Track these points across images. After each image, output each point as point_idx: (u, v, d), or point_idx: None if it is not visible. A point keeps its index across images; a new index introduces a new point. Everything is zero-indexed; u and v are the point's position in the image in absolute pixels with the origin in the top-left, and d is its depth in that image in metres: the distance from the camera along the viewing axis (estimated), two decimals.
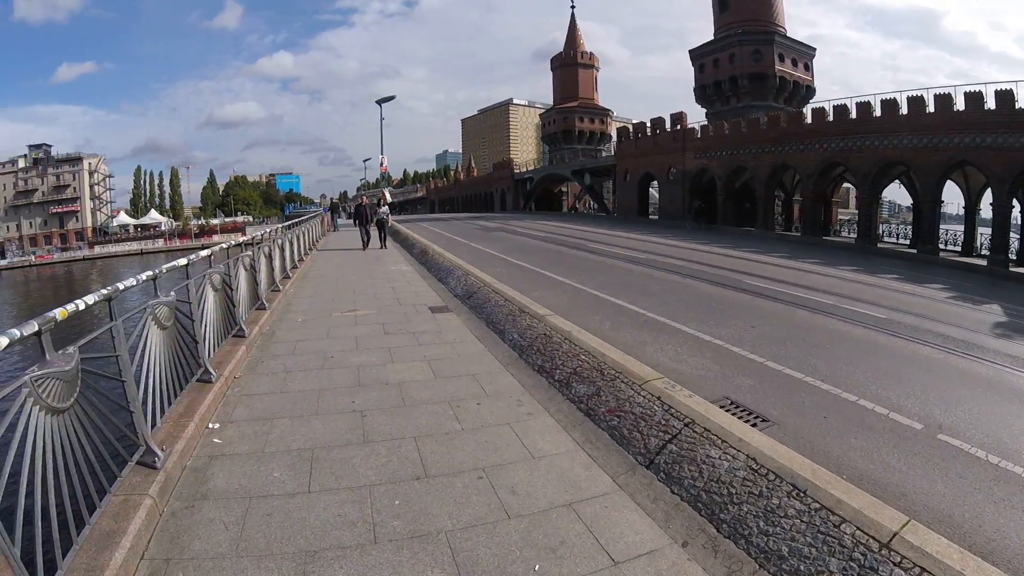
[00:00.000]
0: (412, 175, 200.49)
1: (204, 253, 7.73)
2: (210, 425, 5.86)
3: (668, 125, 46.01)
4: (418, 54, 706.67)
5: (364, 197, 33.55)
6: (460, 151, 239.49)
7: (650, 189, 53.77)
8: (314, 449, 5.24)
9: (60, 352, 3.66)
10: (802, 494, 3.94)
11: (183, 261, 6.62)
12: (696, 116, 55.13)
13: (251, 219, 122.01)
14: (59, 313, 3.66)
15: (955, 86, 26.50)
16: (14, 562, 2.83)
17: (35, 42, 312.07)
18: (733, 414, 5.91)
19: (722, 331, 9.61)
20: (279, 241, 14.87)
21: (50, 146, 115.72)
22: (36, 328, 3.38)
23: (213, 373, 6.70)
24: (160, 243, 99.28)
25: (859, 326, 10.36)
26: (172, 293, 5.96)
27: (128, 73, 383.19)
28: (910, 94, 28.19)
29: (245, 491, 4.53)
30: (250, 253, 10.47)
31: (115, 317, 4.45)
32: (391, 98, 39.59)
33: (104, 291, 4.40)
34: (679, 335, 9.39)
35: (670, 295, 13.01)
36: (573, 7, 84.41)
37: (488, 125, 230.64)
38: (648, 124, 48.89)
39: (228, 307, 8.59)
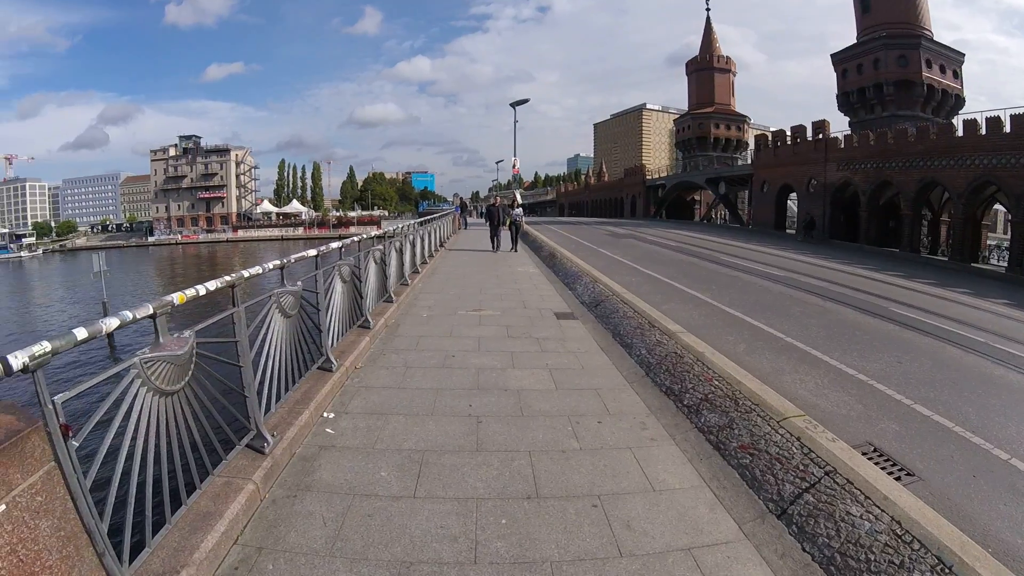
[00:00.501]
0: (543, 178, 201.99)
1: (335, 245, 7.88)
2: (325, 414, 5.87)
3: (809, 133, 43.22)
4: (550, 58, 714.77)
5: (497, 197, 33.09)
6: (591, 155, 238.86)
7: (788, 202, 50.99)
8: (425, 452, 5.08)
9: (176, 335, 3.69)
10: (948, 570, 3.38)
11: (312, 252, 6.72)
12: (838, 125, 51.82)
13: (386, 213, 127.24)
14: (177, 297, 3.65)
15: None
16: (101, 537, 2.85)
17: (185, 44, 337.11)
18: (876, 464, 5.15)
19: (867, 364, 8.67)
20: (411, 237, 15.23)
21: (199, 137, 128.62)
22: (151, 311, 3.39)
23: (334, 362, 6.82)
24: (300, 231, 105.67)
25: (1014, 371, 9.01)
26: (299, 283, 6.02)
27: (273, 74, 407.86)
28: None
29: (349, 487, 4.46)
30: (381, 247, 10.72)
31: (237, 304, 4.47)
32: (525, 101, 39.70)
33: (228, 278, 4.41)
34: (820, 366, 8.55)
35: (811, 319, 12.00)
36: (708, 9, 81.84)
37: (620, 130, 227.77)
38: (788, 132, 46.17)
39: (355, 298, 8.75)
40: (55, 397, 2.64)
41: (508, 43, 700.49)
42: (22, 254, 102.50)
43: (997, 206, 34.60)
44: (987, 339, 11.01)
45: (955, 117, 41.44)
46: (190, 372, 3.80)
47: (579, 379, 7.29)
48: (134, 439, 3.16)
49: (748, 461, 5.01)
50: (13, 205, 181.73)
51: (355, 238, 9.32)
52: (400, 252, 13.26)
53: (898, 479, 5.01)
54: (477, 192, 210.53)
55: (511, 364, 7.81)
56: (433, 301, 12.22)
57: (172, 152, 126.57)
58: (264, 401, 5.00)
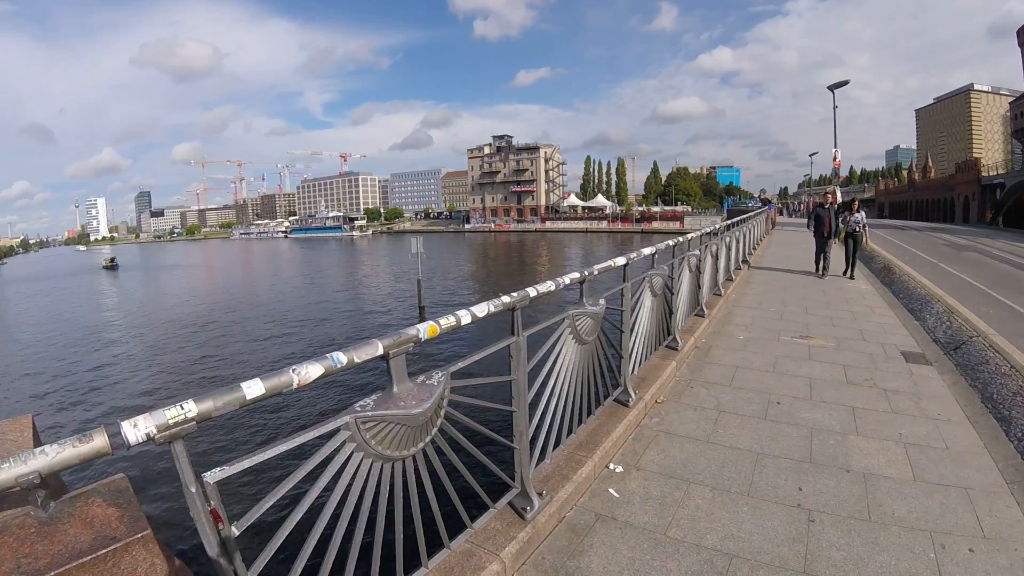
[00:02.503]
0: (858, 173, 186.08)
1: (647, 251, 6.66)
2: (611, 466, 4.86)
3: None
4: (859, 38, 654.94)
5: (829, 193, 20.22)
6: (913, 147, 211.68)
7: None
8: (732, 558, 3.71)
9: (420, 380, 2.97)
10: None
11: (621, 260, 5.62)
12: None
13: (689, 209, 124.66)
14: (426, 330, 2.90)
15: None
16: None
17: (494, 54, 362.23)
18: None
19: None
20: (726, 239, 13.50)
21: (511, 137, 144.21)
22: (380, 351, 2.63)
23: (632, 395, 5.81)
24: (604, 224, 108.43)
25: None
26: (602, 301, 5.02)
27: (578, 76, 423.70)
28: None
29: None
30: (696, 252, 9.28)
31: (517, 331, 3.71)
32: (845, 83, 35.07)
33: (507, 299, 3.57)
34: None
35: None
36: None
37: (945, 116, 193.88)
38: None
39: (664, 314, 7.47)
40: (206, 476, 1.95)
41: (811, 25, 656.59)
42: (353, 233, 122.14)
43: None
44: None
45: None
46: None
47: (943, 467, 5.18)
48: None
49: None
50: (348, 194, 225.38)
51: (669, 242, 7.94)
52: (716, 257, 11.62)
53: None
54: (785, 188, 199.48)
55: (853, 427, 5.86)
56: (750, 319, 10.48)
57: (487, 150, 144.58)
58: (538, 452, 4.11)
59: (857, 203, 16.23)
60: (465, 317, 3.15)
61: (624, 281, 5.67)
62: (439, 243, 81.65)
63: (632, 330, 5.91)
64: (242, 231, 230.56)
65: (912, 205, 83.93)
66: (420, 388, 2.87)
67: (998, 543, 4.12)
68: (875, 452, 5.28)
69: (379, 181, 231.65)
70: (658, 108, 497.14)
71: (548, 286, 4.07)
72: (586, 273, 4.63)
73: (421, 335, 2.81)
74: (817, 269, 16.63)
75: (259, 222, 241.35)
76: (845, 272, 16.21)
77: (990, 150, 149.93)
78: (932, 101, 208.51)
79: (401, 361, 2.77)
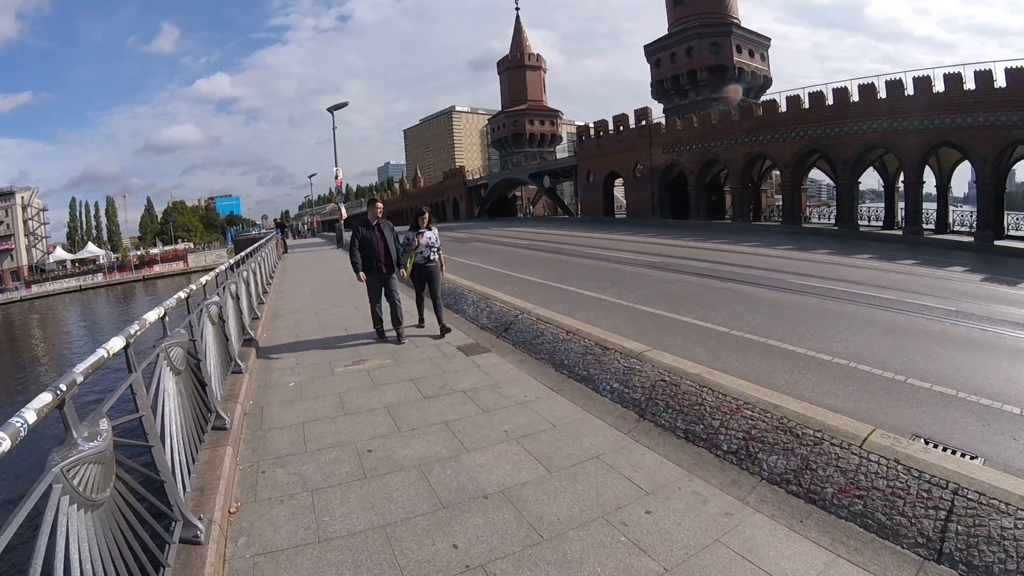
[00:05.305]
0: (355, 189, 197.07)
1: (152, 316, 4.28)
2: None
3: (632, 122, 44.75)
4: (355, 68, 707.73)
5: (423, 217, 10.56)
6: (403, 163, 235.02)
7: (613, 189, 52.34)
8: None
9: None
10: None
11: (117, 343, 3.30)
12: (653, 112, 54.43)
13: (191, 245, 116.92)
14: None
15: (934, 68, 28.06)
16: None
17: None
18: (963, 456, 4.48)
19: (832, 346, 7.97)
20: (243, 274, 11.03)
21: None
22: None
23: (197, 524, 3.56)
24: (99, 277, 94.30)
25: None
26: (103, 423, 2.79)
27: (64, 101, 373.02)
28: (888, 78, 28.15)
29: None
30: (216, 298, 7.18)
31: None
32: (344, 104, 36.03)
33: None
34: (794, 359, 7.42)
35: (733, 305, 10.91)
36: (518, 8, 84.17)
37: (431, 134, 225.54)
38: (611, 121, 47.14)
39: (195, 391, 5.11)
40: None
41: (310, 54, 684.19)
42: None
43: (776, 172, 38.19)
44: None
45: (762, 97, 44.47)
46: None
47: (564, 446, 5.06)
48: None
49: (861, 507, 3.87)
50: None
51: (180, 294, 5.50)
52: (237, 297, 9.36)
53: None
54: (287, 211, 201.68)
55: (460, 445, 5.19)
56: (293, 359, 8.75)
57: None
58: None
59: (427, 215, 10.09)
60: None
61: (131, 372, 3.47)
62: None
63: (163, 435, 3.73)
64: None
65: (407, 211, 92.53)
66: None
67: (664, 494, 4.19)
68: (496, 462, 4.81)
69: None
70: (151, 137, 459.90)
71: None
72: (62, 389, 2.46)
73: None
74: (376, 323, 9.73)
75: None
76: (421, 322, 10.35)
77: (471, 159, 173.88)
78: (419, 121, 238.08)
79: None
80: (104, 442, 2.60)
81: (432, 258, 9.64)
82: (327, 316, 12.16)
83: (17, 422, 2.08)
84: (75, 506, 2.25)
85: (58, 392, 2.39)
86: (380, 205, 9.82)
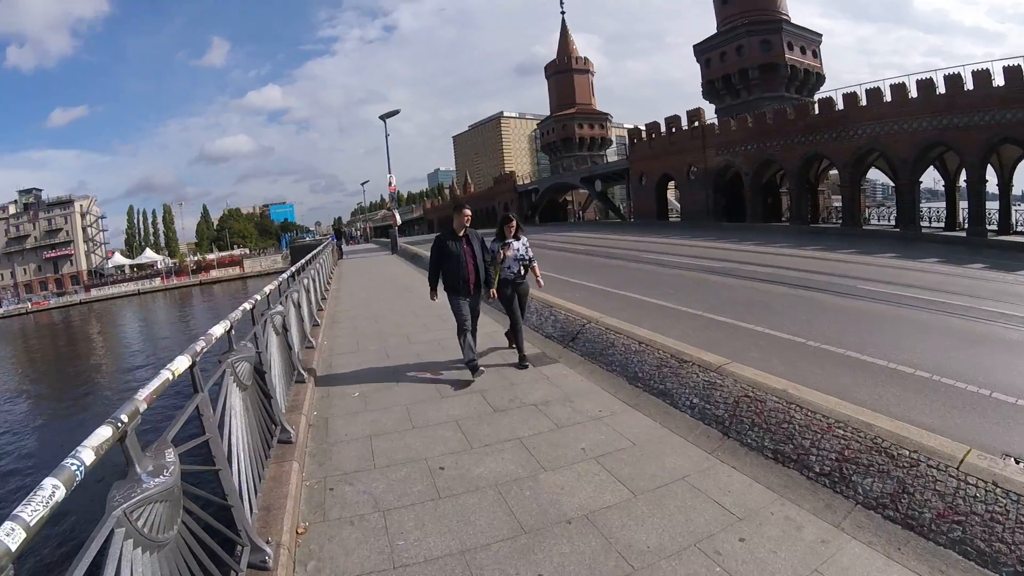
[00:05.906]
0: (405, 196, 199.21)
1: (218, 330, 4.16)
2: None
3: (684, 123, 43.90)
4: (400, 76, 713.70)
5: (509, 226, 8.63)
6: (452, 168, 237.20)
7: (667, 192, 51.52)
8: None
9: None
10: None
11: (182, 363, 3.13)
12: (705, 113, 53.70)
13: (248, 251, 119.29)
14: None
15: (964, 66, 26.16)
16: None
17: (28, 89, 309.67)
18: None
19: (914, 357, 7.56)
20: (304, 281, 11.06)
21: (40, 190, 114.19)
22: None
23: (268, 550, 3.44)
24: (157, 282, 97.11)
25: None
26: (169, 452, 2.65)
27: (118, 114, 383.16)
28: (946, 72, 27.06)
29: None
30: (280, 308, 7.01)
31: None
32: (396, 112, 36.57)
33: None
34: (872, 370, 7.15)
35: (801, 312, 10.57)
36: (563, 12, 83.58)
37: (480, 140, 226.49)
38: (663, 123, 46.42)
39: (261, 405, 4.98)
40: None
41: (357, 64, 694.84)
42: None
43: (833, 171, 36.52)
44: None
45: (816, 94, 43.59)
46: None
47: (646, 466, 4.83)
48: None
49: (960, 533, 3.64)
50: None
51: (246, 305, 5.52)
52: (298, 305, 9.37)
53: None
54: (339, 218, 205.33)
55: (537, 464, 4.97)
56: (355, 363, 8.81)
57: (12, 209, 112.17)
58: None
59: (515, 223, 8.47)
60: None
61: (196, 392, 3.32)
62: None
63: (230, 457, 3.62)
64: None
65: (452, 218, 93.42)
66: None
67: (755, 516, 4.01)
68: (576, 483, 4.61)
69: None
70: (205, 147, 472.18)
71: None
72: (123, 420, 2.28)
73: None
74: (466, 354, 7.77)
75: None
76: (518, 360, 8.16)
77: (520, 164, 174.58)
78: (467, 128, 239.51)
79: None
80: (171, 477, 2.40)
81: (522, 274, 8.36)
82: (385, 323, 12.14)
83: (72, 465, 1.88)
84: (139, 549, 2.10)
85: (119, 424, 2.20)
86: (468, 212, 7.93)
